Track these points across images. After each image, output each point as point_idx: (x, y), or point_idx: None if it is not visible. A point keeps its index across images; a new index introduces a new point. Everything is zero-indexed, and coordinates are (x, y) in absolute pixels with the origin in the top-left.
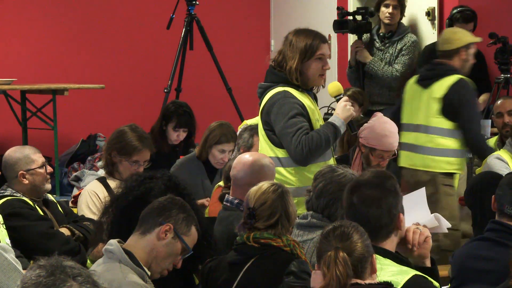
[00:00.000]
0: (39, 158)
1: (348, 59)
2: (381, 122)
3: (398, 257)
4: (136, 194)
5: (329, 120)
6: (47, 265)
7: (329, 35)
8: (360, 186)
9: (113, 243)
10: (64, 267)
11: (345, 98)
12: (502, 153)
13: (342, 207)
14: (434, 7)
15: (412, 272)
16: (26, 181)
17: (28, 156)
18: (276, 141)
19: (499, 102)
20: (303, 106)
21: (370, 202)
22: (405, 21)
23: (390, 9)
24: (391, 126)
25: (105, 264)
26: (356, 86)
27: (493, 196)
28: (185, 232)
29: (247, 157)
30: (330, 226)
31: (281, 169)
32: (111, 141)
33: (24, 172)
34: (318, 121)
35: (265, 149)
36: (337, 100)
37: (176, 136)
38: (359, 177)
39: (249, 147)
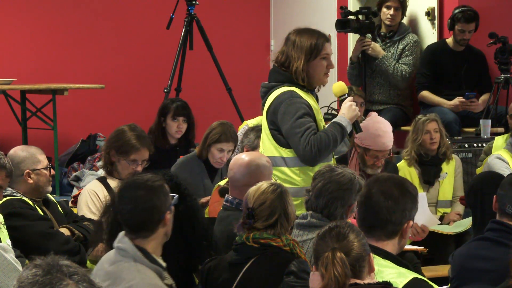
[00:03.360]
0: (44, 160)
1: (349, 56)
2: (375, 122)
3: (397, 259)
4: None
5: (335, 120)
6: (44, 264)
7: (329, 35)
8: (385, 180)
9: (125, 241)
10: (60, 266)
11: (350, 98)
12: (503, 153)
13: (341, 206)
14: (434, 7)
15: (411, 275)
16: (31, 181)
17: (35, 156)
18: (281, 141)
19: None
20: (309, 106)
21: (389, 196)
22: (405, 21)
23: (391, 11)
24: (385, 125)
25: (119, 263)
26: (357, 84)
27: (494, 196)
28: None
29: (243, 157)
30: (325, 227)
31: (285, 169)
32: (110, 140)
33: (30, 171)
34: (321, 122)
35: (269, 149)
36: (342, 101)
37: (177, 127)
38: (383, 173)
39: (253, 148)
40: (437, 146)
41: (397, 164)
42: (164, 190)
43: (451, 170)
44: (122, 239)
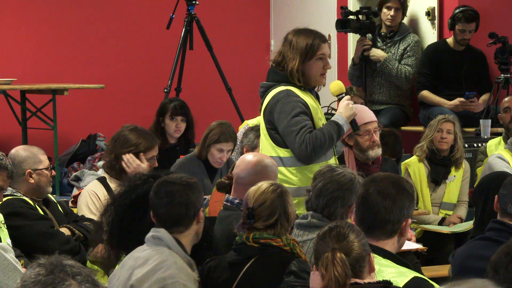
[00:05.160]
0: (45, 160)
1: (352, 57)
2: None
3: (397, 258)
4: (139, 192)
5: (332, 118)
6: (47, 263)
7: (329, 35)
8: (382, 180)
9: (160, 230)
10: (64, 266)
11: (348, 97)
12: (503, 152)
13: (342, 206)
14: (434, 7)
15: (411, 274)
16: (32, 180)
17: (37, 156)
18: (278, 140)
19: (507, 98)
20: (306, 104)
21: (386, 195)
22: (405, 20)
23: (392, 12)
24: (361, 105)
25: (152, 249)
26: (358, 84)
27: (496, 196)
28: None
29: (250, 157)
30: (326, 227)
31: (282, 169)
32: (117, 145)
33: (32, 171)
34: (320, 120)
35: (267, 149)
36: (339, 99)
37: (175, 126)
38: (379, 173)
39: (253, 148)
40: (447, 147)
41: (407, 160)
42: (199, 187)
43: (459, 174)
44: (157, 229)
